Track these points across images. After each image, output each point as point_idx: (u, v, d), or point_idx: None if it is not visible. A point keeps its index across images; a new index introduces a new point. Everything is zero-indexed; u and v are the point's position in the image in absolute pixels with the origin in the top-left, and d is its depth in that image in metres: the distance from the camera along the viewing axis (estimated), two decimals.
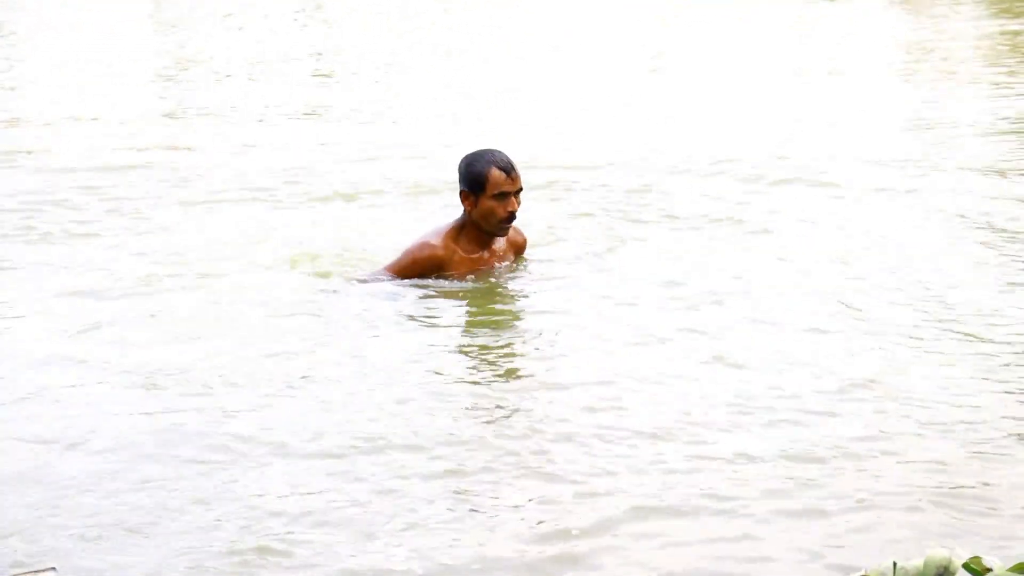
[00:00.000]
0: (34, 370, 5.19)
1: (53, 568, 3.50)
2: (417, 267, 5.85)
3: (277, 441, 4.33)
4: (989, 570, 2.96)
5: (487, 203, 5.72)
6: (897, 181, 8.19)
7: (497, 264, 6.02)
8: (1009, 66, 13.02)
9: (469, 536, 3.65)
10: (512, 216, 5.76)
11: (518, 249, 6.11)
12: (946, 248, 6.79)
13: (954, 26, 17.04)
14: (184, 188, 8.61)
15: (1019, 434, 4.27)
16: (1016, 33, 15.35)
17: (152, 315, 5.89)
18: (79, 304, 6.25)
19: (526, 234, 6.13)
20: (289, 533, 3.72)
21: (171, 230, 7.59)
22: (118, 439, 4.57)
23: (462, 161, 5.85)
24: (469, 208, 5.77)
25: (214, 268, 6.59)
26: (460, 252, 5.86)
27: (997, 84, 12.05)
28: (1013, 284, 6.08)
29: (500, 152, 5.80)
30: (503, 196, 5.69)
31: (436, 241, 5.86)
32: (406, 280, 5.89)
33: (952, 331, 5.45)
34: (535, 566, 3.50)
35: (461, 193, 5.80)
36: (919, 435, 4.29)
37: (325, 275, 6.31)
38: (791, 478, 3.98)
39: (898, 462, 4.09)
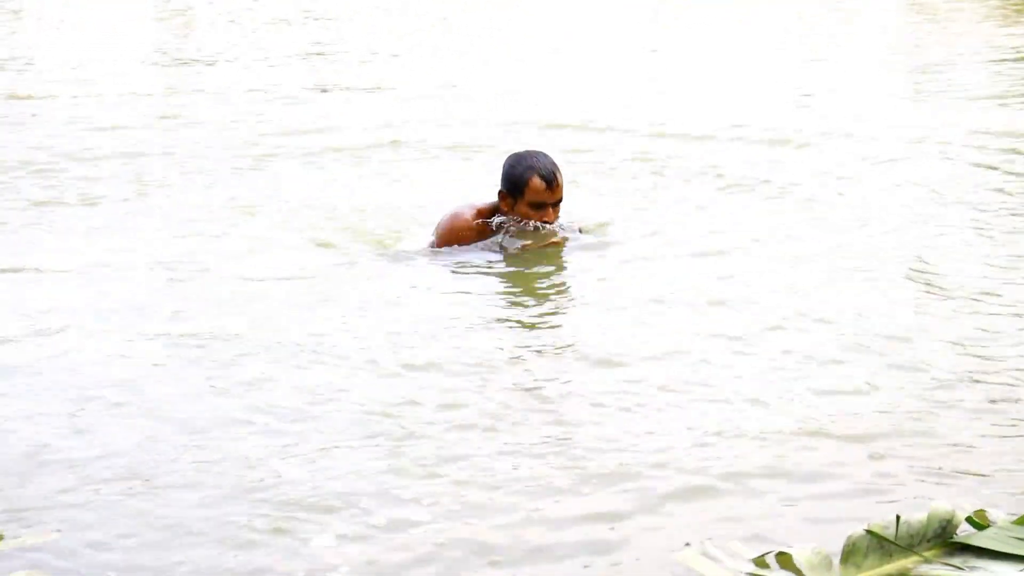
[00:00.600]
0: (79, 338, 5.23)
1: (58, 531, 3.63)
2: (453, 235, 5.86)
3: (312, 405, 4.40)
4: (991, 524, 3.18)
5: (522, 209, 5.70)
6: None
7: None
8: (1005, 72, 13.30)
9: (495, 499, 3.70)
10: (545, 223, 5.78)
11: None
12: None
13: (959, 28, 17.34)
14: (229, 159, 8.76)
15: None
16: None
17: (200, 285, 5.94)
18: (129, 273, 6.28)
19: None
20: (317, 490, 3.78)
21: (212, 203, 7.58)
22: (155, 403, 4.62)
23: (508, 159, 5.82)
24: (506, 208, 5.76)
25: (252, 240, 6.70)
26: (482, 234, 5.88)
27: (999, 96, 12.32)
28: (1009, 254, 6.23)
29: (546, 157, 5.75)
30: (540, 206, 5.67)
31: (468, 214, 5.86)
32: (443, 251, 5.89)
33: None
34: (571, 540, 3.52)
35: (500, 192, 5.77)
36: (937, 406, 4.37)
37: (373, 243, 6.34)
38: (797, 444, 4.08)
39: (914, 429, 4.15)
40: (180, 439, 4.27)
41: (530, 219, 5.70)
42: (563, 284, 5.76)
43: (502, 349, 4.98)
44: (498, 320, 5.30)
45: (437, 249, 5.92)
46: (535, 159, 5.69)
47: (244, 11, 17.35)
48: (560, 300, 5.61)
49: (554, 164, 5.73)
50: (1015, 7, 16.58)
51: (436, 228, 5.93)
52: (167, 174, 8.49)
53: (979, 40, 15.39)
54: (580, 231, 6.03)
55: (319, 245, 6.45)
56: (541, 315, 5.37)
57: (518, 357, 4.96)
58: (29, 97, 11.92)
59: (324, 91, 12.03)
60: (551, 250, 5.80)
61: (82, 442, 4.31)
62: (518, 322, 5.29)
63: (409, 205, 7.08)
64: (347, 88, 12.13)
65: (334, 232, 6.69)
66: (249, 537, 3.61)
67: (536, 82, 12.44)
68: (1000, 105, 10.52)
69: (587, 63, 13.70)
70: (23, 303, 5.90)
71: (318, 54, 14.73)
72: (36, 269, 6.51)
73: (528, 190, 5.62)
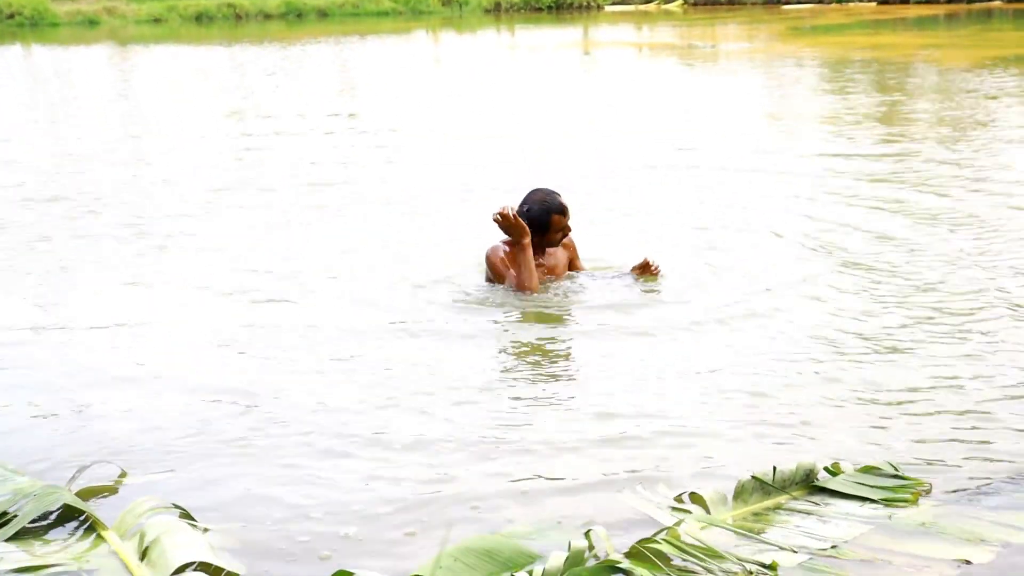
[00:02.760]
0: (183, 352, 5.72)
1: (171, 470, 4.14)
2: (499, 265, 6.32)
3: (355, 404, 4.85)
4: (842, 472, 3.91)
5: (553, 237, 6.38)
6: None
7: (548, 274, 6.46)
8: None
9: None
10: (564, 235, 6.43)
11: (571, 263, 6.68)
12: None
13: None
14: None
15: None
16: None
17: (273, 313, 6.33)
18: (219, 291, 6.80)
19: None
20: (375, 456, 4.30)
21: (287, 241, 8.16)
22: (254, 384, 5.16)
23: (526, 206, 6.29)
24: (535, 240, 6.32)
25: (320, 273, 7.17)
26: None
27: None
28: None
29: (556, 196, 6.31)
30: (562, 230, 6.39)
31: (500, 248, 6.37)
32: (487, 285, 6.45)
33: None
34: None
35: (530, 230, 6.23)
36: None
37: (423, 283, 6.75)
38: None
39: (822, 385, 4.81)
40: (277, 412, 4.79)
41: (556, 239, 6.37)
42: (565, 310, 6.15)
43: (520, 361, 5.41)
44: (519, 340, 5.72)
45: (491, 285, 6.42)
46: (549, 199, 6.30)
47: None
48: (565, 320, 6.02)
49: (559, 195, 6.33)
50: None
51: (488, 263, 6.42)
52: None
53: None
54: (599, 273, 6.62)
55: (395, 283, 6.83)
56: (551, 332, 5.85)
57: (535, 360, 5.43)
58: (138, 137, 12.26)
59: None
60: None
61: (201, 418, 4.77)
62: (526, 342, 5.68)
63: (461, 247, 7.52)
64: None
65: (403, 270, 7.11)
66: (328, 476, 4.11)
67: (556, 139, 13.31)
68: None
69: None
70: (158, 311, 6.42)
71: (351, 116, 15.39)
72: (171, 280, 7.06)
73: (552, 226, 6.31)
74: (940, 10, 37.64)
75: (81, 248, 8.09)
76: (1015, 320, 5.86)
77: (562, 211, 6.29)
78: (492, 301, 6.31)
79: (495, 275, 6.39)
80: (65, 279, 7.20)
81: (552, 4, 47.25)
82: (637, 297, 6.35)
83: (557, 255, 6.55)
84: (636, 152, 12.44)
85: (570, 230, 6.43)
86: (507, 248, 6.33)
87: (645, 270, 6.53)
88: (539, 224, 6.28)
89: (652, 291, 6.40)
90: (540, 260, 6.41)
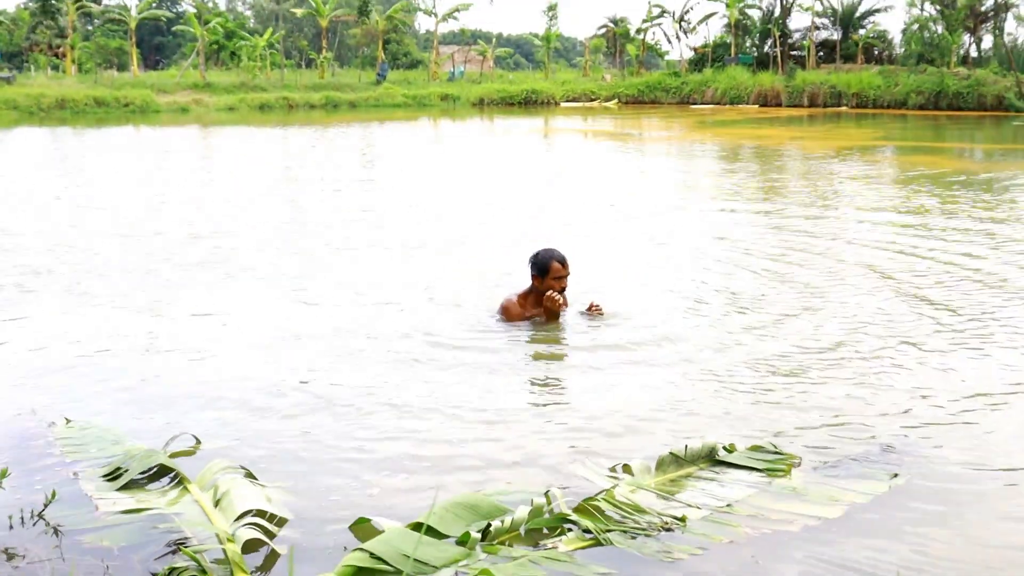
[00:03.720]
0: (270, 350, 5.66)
1: (238, 439, 4.12)
2: (509, 312, 6.09)
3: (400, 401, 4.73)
4: (736, 450, 3.90)
5: (549, 283, 6.02)
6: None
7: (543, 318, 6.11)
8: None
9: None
10: (563, 289, 6.07)
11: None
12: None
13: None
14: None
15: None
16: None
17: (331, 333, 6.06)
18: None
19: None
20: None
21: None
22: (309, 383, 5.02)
23: (534, 255, 6.08)
24: (536, 284, 6.08)
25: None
26: (526, 308, 6.13)
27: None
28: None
29: (557, 251, 6.06)
30: (559, 278, 6.03)
31: (515, 299, 6.15)
32: (503, 320, 6.14)
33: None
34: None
35: (532, 276, 6.08)
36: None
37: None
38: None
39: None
40: (319, 402, 4.73)
41: (554, 288, 5.99)
42: (566, 340, 5.85)
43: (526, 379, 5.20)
44: (525, 363, 5.46)
45: (501, 320, 6.14)
46: (551, 251, 6.06)
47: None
48: (564, 348, 5.74)
49: (562, 254, 6.08)
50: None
51: (500, 308, 6.17)
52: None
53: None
54: (582, 312, 6.24)
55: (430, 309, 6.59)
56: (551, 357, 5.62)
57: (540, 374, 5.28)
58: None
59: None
60: (553, 318, 6.06)
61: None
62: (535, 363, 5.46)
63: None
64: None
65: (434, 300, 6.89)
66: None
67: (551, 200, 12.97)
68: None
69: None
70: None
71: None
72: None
73: (551, 270, 5.99)
74: (804, 112, 38.05)
75: (172, 272, 8.09)
76: (868, 336, 5.90)
77: (561, 261, 6.05)
78: (497, 328, 6.15)
79: (507, 316, 6.16)
80: (162, 295, 7.17)
81: (522, 100, 47.45)
82: (589, 328, 6.16)
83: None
84: (582, 207, 12.56)
85: (565, 284, 6.11)
86: (518, 301, 6.18)
87: (592, 310, 6.28)
88: (541, 267, 6.05)
89: (597, 325, 6.20)
90: (536, 311, 6.17)
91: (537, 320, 6.13)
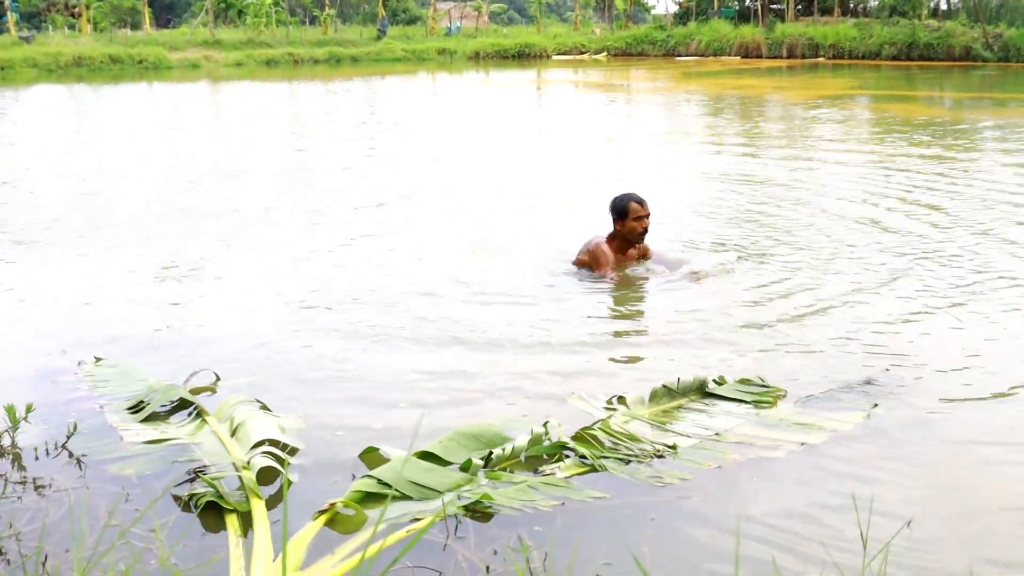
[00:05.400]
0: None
1: (254, 375, 4.05)
2: (601, 256, 5.75)
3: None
4: (725, 382, 3.85)
5: (630, 224, 5.71)
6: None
7: (631, 262, 5.89)
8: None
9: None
10: (645, 230, 5.77)
11: (644, 254, 5.96)
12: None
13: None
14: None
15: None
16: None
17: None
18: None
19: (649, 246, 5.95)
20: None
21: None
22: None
23: (612, 200, 5.78)
24: (618, 228, 5.78)
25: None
26: (612, 253, 5.79)
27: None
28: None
29: (635, 193, 5.75)
30: (639, 219, 5.73)
31: (604, 244, 5.80)
32: (582, 268, 5.85)
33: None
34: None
35: (614, 220, 5.77)
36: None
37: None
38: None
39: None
40: (329, 341, 4.64)
41: (635, 229, 5.70)
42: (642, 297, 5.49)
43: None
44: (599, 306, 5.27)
45: (577, 267, 5.85)
46: (629, 194, 5.75)
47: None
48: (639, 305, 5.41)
49: (637, 195, 5.75)
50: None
51: (583, 252, 5.85)
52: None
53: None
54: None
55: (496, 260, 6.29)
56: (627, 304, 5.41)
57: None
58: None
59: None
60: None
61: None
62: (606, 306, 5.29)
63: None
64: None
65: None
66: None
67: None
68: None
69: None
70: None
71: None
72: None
73: (630, 212, 5.68)
74: (784, 63, 37.61)
75: (191, 222, 7.94)
76: (854, 274, 5.82)
77: (639, 202, 5.72)
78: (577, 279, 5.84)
79: (593, 260, 5.81)
80: (182, 249, 6.94)
81: (516, 53, 46.85)
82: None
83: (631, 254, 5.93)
84: (573, 152, 12.40)
85: (646, 224, 5.77)
86: (606, 247, 5.83)
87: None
88: (620, 210, 5.74)
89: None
90: (622, 257, 5.88)
91: (624, 267, 5.88)
